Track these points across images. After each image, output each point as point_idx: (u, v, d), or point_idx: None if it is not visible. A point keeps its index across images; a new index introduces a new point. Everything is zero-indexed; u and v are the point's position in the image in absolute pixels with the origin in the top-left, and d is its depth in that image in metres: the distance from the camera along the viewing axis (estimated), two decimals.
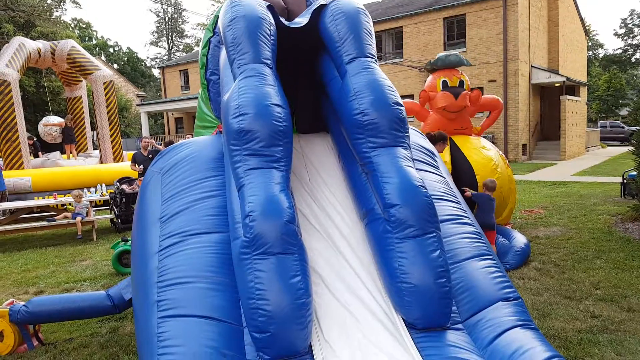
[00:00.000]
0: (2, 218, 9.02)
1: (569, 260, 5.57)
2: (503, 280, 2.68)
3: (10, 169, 11.50)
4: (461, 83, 6.65)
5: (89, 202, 8.54)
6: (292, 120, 2.67)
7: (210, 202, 2.77)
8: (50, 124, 14.61)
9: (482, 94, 6.95)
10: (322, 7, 3.05)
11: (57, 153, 13.77)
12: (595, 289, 4.59)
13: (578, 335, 3.59)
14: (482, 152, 6.27)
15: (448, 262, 2.51)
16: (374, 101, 2.68)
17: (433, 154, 3.48)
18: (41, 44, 13.37)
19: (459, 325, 2.49)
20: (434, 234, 2.47)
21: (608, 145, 28.49)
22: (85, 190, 9.59)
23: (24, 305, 3.76)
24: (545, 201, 9.82)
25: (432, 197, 2.64)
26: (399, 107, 2.73)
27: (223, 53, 3.15)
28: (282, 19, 3.10)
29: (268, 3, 3.03)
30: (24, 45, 12.60)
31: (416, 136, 3.54)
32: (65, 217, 8.31)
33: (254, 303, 2.18)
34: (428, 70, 7.08)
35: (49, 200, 8.71)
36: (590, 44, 43.51)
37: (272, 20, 2.93)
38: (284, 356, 2.21)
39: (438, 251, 2.43)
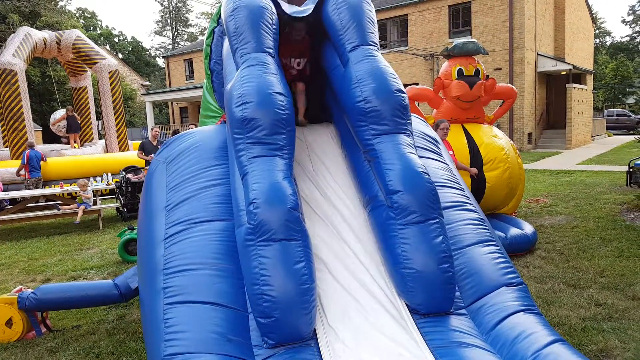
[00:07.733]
0: (9, 207, 9.11)
1: (574, 248, 5.57)
2: (506, 266, 2.69)
3: (17, 158, 11.58)
4: (477, 72, 6.49)
5: (92, 193, 8.60)
6: (294, 108, 2.68)
7: (214, 190, 2.79)
8: (57, 121, 14.67)
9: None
10: None
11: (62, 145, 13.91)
12: (599, 277, 4.60)
13: (582, 323, 3.60)
14: (493, 141, 6.24)
15: (451, 247, 2.52)
16: (376, 88, 2.68)
17: (436, 141, 3.48)
18: (47, 34, 13.38)
19: (463, 311, 2.51)
20: (437, 220, 2.47)
21: (614, 134, 28.25)
22: (92, 179, 9.66)
23: (32, 293, 3.81)
24: (550, 190, 9.79)
25: (435, 184, 2.64)
26: (401, 95, 2.73)
27: (226, 43, 3.16)
28: (286, 6, 3.10)
29: None
30: (30, 35, 12.62)
31: (419, 124, 3.53)
32: (72, 207, 8.39)
33: (259, 289, 2.20)
34: (444, 56, 6.96)
35: (55, 190, 8.79)
36: (597, 31, 42.99)
37: (274, 10, 2.95)
38: (288, 341, 2.23)
39: (441, 237, 2.44)
